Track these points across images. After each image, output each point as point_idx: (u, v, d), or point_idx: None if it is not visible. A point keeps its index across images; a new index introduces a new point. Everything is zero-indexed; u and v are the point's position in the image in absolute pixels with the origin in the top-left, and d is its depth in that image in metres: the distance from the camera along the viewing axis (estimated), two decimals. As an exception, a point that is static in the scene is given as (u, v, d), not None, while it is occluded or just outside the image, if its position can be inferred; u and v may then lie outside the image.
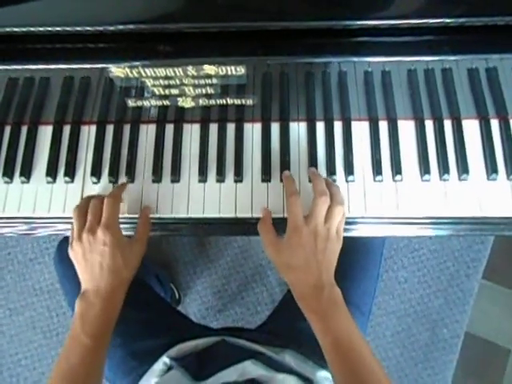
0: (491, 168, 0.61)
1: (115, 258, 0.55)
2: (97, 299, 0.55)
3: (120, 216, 0.60)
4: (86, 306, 0.55)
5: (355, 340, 0.53)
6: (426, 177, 0.61)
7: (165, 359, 0.69)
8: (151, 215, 0.62)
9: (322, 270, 0.55)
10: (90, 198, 0.60)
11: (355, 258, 0.79)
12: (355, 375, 0.51)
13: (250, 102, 0.63)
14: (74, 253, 0.57)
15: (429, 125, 0.64)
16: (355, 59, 0.61)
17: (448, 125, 0.64)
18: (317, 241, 0.54)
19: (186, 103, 0.62)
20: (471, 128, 0.63)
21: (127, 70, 0.54)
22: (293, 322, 0.78)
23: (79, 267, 0.57)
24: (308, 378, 0.64)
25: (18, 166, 0.65)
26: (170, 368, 0.68)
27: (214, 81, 0.58)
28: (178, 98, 0.62)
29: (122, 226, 0.60)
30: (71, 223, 0.62)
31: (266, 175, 0.63)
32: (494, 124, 0.63)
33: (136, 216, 0.62)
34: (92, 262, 0.55)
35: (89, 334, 0.54)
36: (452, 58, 0.61)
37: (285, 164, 0.63)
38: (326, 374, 0.67)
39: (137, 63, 0.57)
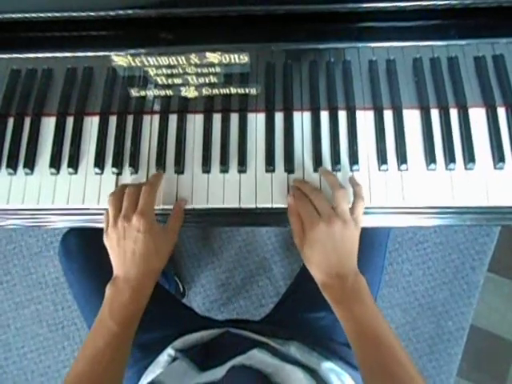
0: (498, 157, 0.60)
1: (148, 245, 0.55)
2: (126, 286, 0.55)
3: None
4: (115, 292, 0.56)
5: (381, 329, 0.52)
6: (432, 166, 0.61)
7: (170, 351, 0.69)
8: (155, 206, 0.62)
9: (343, 259, 0.55)
10: (124, 186, 0.60)
11: (359, 249, 0.79)
12: (382, 365, 0.50)
13: (253, 91, 0.63)
14: (109, 239, 0.57)
15: (434, 114, 0.63)
16: (360, 44, 0.60)
17: (454, 113, 0.63)
18: (334, 229, 0.54)
19: (189, 93, 0.62)
20: (478, 116, 0.63)
21: (130, 58, 0.54)
22: (297, 313, 0.77)
23: (112, 253, 0.57)
24: (313, 370, 0.64)
25: (22, 157, 0.64)
26: (174, 359, 0.68)
27: (218, 69, 0.58)
28: (181, 88, 0.61)
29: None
30: (80, 214, 0.63)
31: (270, 165, 0.62)
32: (501, 112, 0.63)
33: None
34: (125, 248, 0.55)
35: (116, 319, 0.54)
36: (458, 42, 0.60)
37: (289, 154, 0.62)
38: (331, 365, 0.67)
39: (139, 51, 0.56)
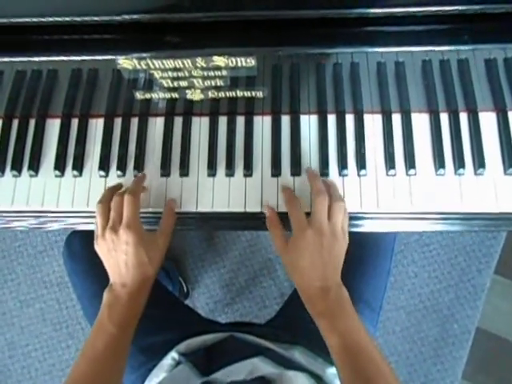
0: (508, 162, 0.59)
1: (139, 256, 0.55)
2: (123, 292, 0.56)
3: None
4: (112, 297, 0.56)
5: (363, 341, 0.52)
6: (441, 171, 0.60)
7: (173, 354, 0.69)
8: (159, 209, 0.61)
9: (328, 271, 0.54)
10: (112, 190, 0.60)
11: (366, 253, 0.78)
12: (363, 377, 0.50)
13: (260, 94, 0.62)
14: (100, 248, 0.57)
15: (444, 117, 0.62)
16: (369, 49, 0.59)
17: (464, 117, 0.62)
18: (322, 240, 0.53)
19: (195, 96, 0.61)
20: (488, 121, 0.62)
21: (135, 61, 0.53)
22: (302, 317, 0.76)
23: (106, 262, 0.58)
24: (318, 375, 0.64)
25: (26, 159, 0.64)
26: (178, 363, 0.67)
27: (224, 73, 0.57)
28: (187, 91, 0.60)
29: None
30: (84, 217, 0.63)
31: (276, 169, 0.61)
32: (512, 117, 0.62)
33: (144, 210, 0.61)
34: (117, 259, 0.56)
35: (115, 323, 0.55)
36: (470, 47, 0.59)
37: (295, 158, 0.62)
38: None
39: (144, 54, 0.56)
